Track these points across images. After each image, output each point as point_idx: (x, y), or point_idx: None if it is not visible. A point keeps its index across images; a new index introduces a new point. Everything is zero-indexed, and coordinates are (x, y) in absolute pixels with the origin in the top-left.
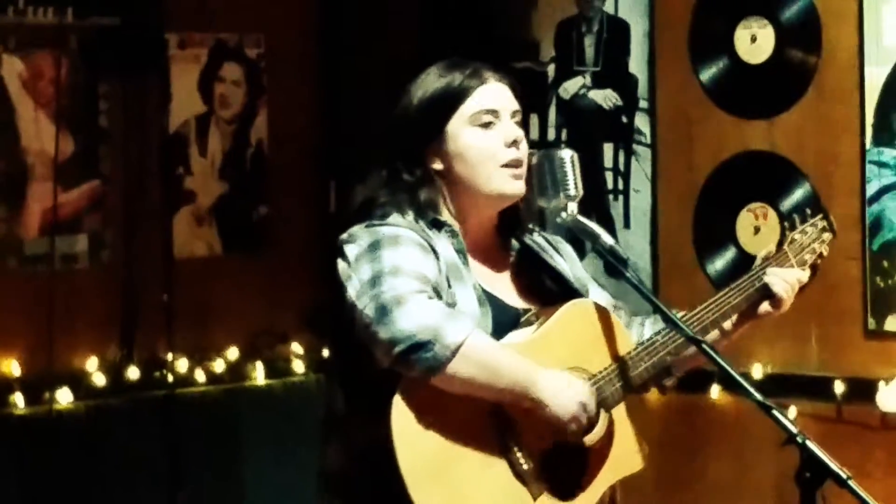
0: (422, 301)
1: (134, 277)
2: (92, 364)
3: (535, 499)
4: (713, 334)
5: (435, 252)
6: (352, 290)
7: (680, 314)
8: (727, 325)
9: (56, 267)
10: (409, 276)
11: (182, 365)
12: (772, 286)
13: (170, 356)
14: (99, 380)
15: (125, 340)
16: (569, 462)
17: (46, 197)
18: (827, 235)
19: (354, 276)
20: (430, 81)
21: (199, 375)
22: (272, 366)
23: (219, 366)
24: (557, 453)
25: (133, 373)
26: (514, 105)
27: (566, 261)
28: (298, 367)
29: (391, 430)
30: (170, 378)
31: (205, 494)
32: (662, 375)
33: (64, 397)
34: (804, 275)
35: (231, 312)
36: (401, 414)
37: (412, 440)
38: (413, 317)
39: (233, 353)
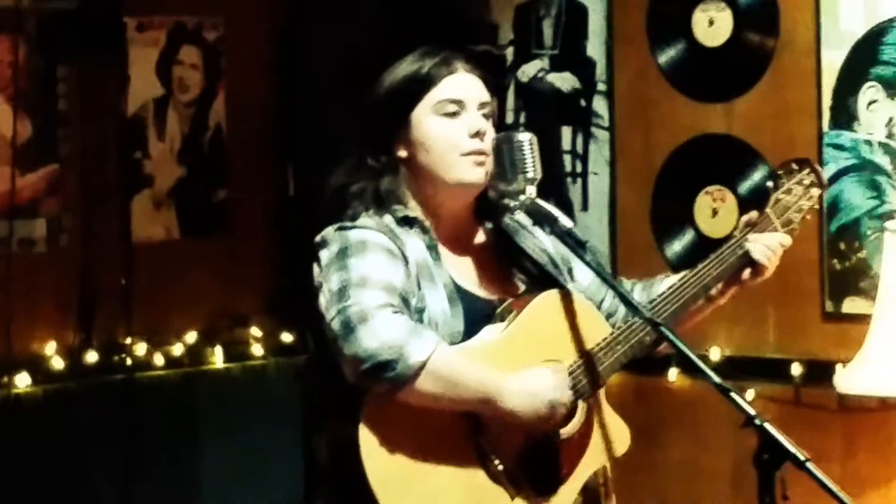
0: (386, 317)
1: (92, 261)
2: (50, 348)
3: (512, 498)
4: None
5: (404, 256)
6: (322, 300)
7: (670, 280)
8: (713, 291)
9: (14, 251)
10: (375, 287)
11: (140, 349)
12: (752, 253)
13: (128, 340)
14: (57, 364)
15: (84, 324)
16: (547, 456)
17: (4, 181)
18: (815, 191)
19: (325, 285)
20: (401, 68)
21: (158, 359)
22: (231, 349)
23: (177, 349)
24: (533, 449)
25: (91, 357)
26: (483, 97)
27: (548, 237)
28: (257, 350)
29: (359, 449)
30: (128, 362)
31: (163, 478)
32: (642, 354)
33: (22, 381)
34: (787, 238)
35: (189, 296)
36: (368, 435)
37: (381, 459)
38: (376, 335)
39: (191, 336)
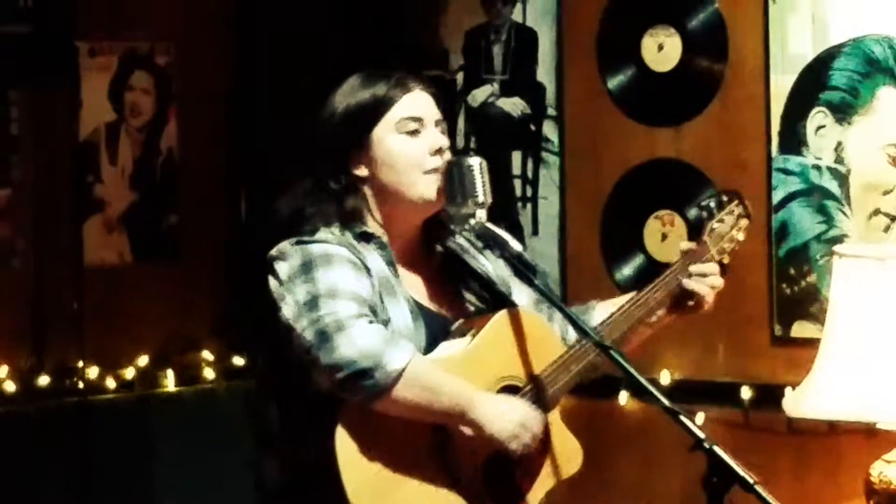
0: (362, 326)
1: (44, 285)
2: (2, 371)
3: None
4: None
5: (367, 269)
6: (287, 312)
7: (604, 305)
8: (653, 318)
9: None
10: (346, 298)
11: (93, 372)
12: (694, 290)
13: (80, 363)
14: (9, 387)
15: (36, 348)
16: (507, 472)
17: None
18: (743, 221)
19: (289, 297)
20: (354, 90)
21: (110, 382)
22: (183, 373)
23: (130, 373)
24: (495, 465)
25: (44, 380)
26: (438, 114)
27: (489, 261)
28: (209, 374)
29: (336, 455)
30: (81, 385)
31: (116, 501)
32: (590, 373)
33: None
34: (720, 281)
35: (142, 320)
36: (345, 443)
37: (357, 468)
38: (355, 343)
39: (143, 360)
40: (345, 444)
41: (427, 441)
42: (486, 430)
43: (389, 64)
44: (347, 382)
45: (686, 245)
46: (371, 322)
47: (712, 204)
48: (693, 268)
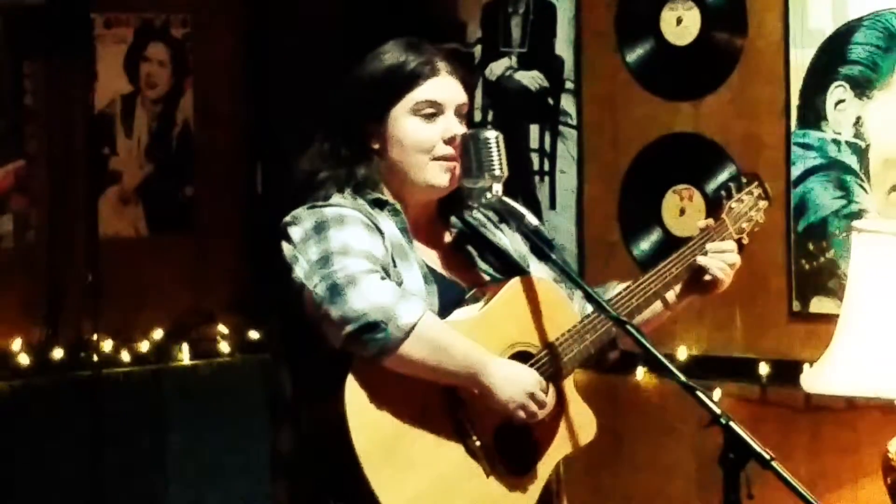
0: (374, 281)
1: (59, 258)
2: (17, 344)
3: (488, 475)
4: (657, 305)
5: (380, 231)
6: (300, 271)
7: (623, 285)
8: (670, 296)
9: None
10: (358, 256)
11: (107, 345)
12: (710, 270)
13: (95, 337)
14: (24, 360)
15: (50, 321)
16: (521, 437)
17: None
18: (763, 203)
19: (301, 258)
20: (384, 59)
21: (125, 356)
22: (198, 346)
23: (144, 346)
24: (509, 429)
25: (58, 353)
26: (461, 99)
27: (507, 236)
28: (224, 347)
29: (345, 410)
30: (95, 358)
31: (130, 474)
32: (607, 347)
33: None
34: (737, 258)
35: (157, 293)
36: (354, 394)
37: (366, 421)
38: (366, 296)
39: (158, 333)
40: (354, 398)
41: (440, 401)
42: (495, 395)
43: (407, 35)
44: (357, 336)
45: (704, 222)
46: (383, 278)
47: (732, 185)
48: (710, 245)
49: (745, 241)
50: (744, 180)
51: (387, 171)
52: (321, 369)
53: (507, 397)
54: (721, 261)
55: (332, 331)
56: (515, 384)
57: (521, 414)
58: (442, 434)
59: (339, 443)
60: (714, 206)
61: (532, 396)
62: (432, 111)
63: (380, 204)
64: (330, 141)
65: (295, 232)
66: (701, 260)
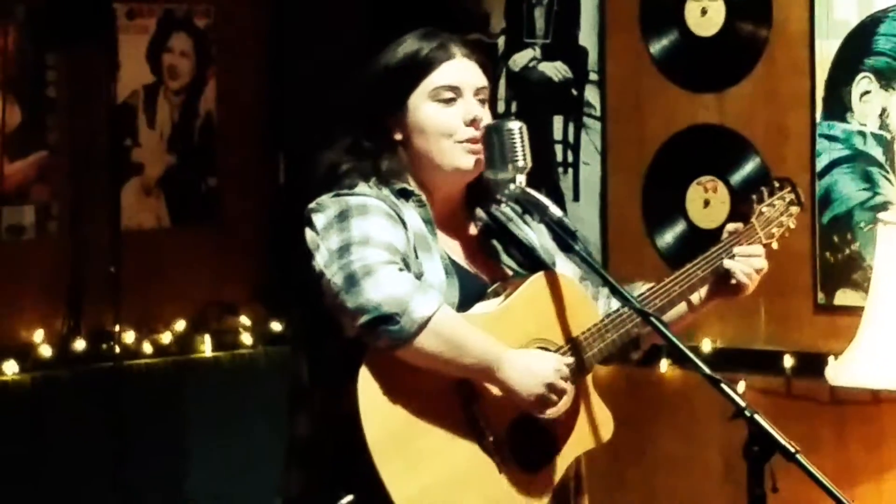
0: (392, 272)
1: (81, 249)
2: (38, 336)
3: (500, 471)
4: (681, 307)
5: (403, 222)
6: (320, 259)
7: (647, 286)
8: (695, 298)
9: (2, 238)
10: (378, 247)
11: (129, 337)
12: (735, 275)
13: (117, 328)
14: (45, 351)
15: (72, 312)
16: (535, 434)
17: None
18: (794, 209)
19: (322, 246)
20: (399, 49)
21: (147, 347)
22: (220, 338)
23: (166, 338)
24: (523, 426)
25: (80, 344)
26: (480, 82)
27: (534, 231)
28: (246, 339)
29: (357, 401)
30: (117, 350)
31: (151, 467)
32: (629, 347)
33: (10, 369)
34: (765, 263)
35: (179, 284)
36: (367, 385)
37: (378, 412)
38: (382, 287)
39: (180, 325)
40: (367, 389)
41: (454, 394)
42: (513, 389)
43: (434, 26)
44: (371, 327)
45: (733, 226)
46: (401, 270)
47: (764, 189)
48: (738, 249)
49: (775, 246)
50: (776, 184)
51: (412, 162)
52: (338, 358)
53: (525, 391)
54: (748, 265)
55: (347, 321)
56: (533, 376)
57: (539, 407)
58: (455, 427)
59: (351, 433)
60: (739, 202)
61: (551, 387)
62: (451, 95)
63: (405, 194)
64: (352, 135)
65: (319, 219)
66: (727, 263)
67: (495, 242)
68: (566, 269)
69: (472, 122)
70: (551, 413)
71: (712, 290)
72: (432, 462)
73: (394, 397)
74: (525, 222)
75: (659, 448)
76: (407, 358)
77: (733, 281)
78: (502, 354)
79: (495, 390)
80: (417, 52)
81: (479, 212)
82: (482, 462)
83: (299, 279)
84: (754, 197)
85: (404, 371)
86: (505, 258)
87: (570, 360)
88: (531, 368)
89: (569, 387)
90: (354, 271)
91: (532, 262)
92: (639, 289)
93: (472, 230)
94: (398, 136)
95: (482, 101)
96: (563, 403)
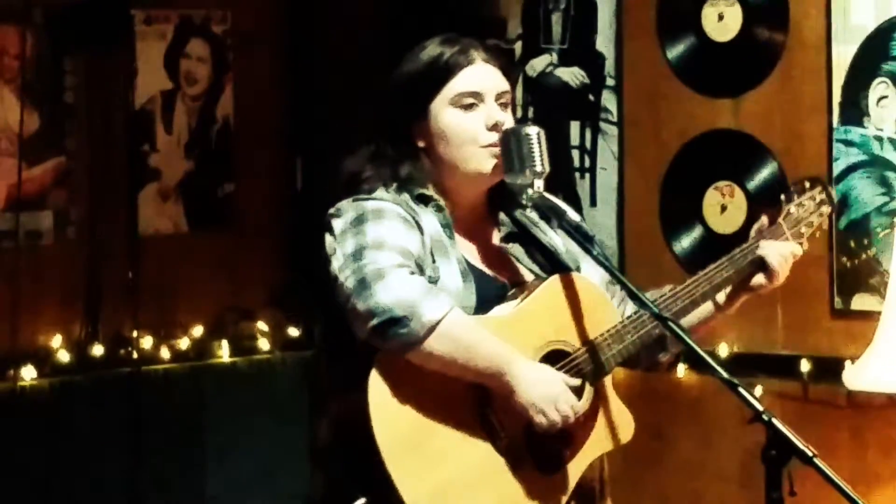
0: (402, 275)
1: (99, 254)
2: (56, 341)
3: (515, 472)
4: (706, 307)
5: (419, 227)
6: (335, 263)
7: (668, 287)
8: (720, 297)
9: (21, 243)
10: (391, 251)
11: (147, 342)
12: (767, 258)
13: (135, 333)
14: (63, 357)
15: (90, 317)
16: (552, 436)
17: (11, 173)
18: (826, 208)
19: (339, 250)
20: (420, 56)
21: (164, 353)
22: (237, 343)
23: (184, 343)
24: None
25: (98, 350)
26: (502, 86)
27: (559, 235)
28: (264, 344)
29: (367, 403)
30: (135, 355)
31: (168, 472)
32: (655, 350)
33: (28, 374)
34: (798, 248)
35: (196, 290)
36: (377, 388)
37: (388, 414)
38: (392, 291)
39: (198, 330)
40: (377, 391)
41: (467, 396)
42: (518, 396)
43: (452, 31)
44: (381, 330)
45: (759, 224)
46: (412, 273)
47: (793, 188)
48: (765, 242)
49: (805, 246)
50: (806, 184)
51: (435, 168)
52: (355, 362)
53: (530, 401)
54: (782, 249)
55: (358, 324)
56: (540, 389)
57: (542, 420)
58: (468, 429)
59: (363, 435)
60: (763, 200)
61: (555, 405)
62: (472, 101)
63: (424, 200)
64: (375, 142)
65: (337, 224)
66: (762, 249)
67: (518, 246)
68: (592, 273)
69: (494, 127)
70: (551, 430)
71: (738, 288)
72: (444, 463)
73: (404, 399)
74: (550, 226)
75: (676, 452)
76: (417, 361)
77: (755, 281)
78: (513, 360)
79: (503, 394)
80: (438, 59)
81: (503, 216)
82: (496, 463)
83: (320, 284)
84: (783, 197)
85: (414, 374)
86: (528, 262)
87: (576, 381)
88: (540, 380)
89: (588, 388)
90: (366, 275)
91: (555, 265)
92: (658, 291)
93: (496, 235)
94: (421, 143)
95: (504, 106)
96: (582, 405)
